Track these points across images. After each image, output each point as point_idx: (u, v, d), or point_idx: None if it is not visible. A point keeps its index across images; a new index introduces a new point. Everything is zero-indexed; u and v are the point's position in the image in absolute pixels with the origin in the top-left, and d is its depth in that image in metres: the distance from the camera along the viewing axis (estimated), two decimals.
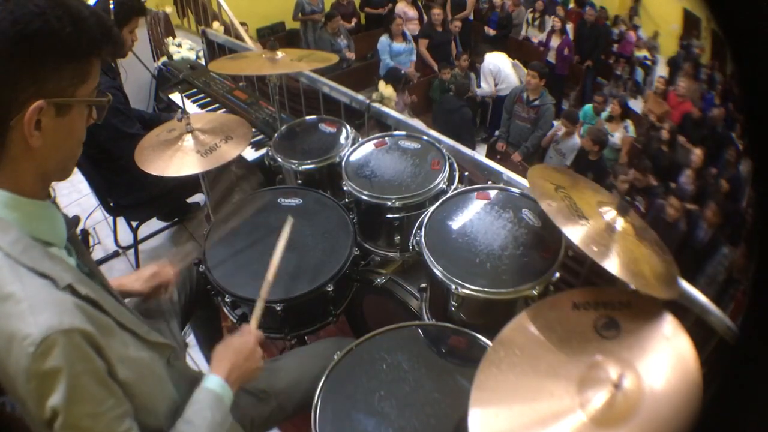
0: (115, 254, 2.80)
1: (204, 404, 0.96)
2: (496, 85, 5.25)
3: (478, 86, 5.41)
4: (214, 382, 1.01)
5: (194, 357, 1.91)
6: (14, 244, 0.76)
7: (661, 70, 6.04)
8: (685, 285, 1.23)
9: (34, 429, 0.80)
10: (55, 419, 0.73)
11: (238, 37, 3.56)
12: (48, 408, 0.72)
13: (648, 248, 1.04)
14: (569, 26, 6.19)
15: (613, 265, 0.95)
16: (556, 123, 4.48)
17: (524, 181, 1.57)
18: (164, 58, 3.62)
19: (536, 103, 4.36)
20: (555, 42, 5.89)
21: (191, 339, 1.82)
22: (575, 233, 0.99)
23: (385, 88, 3.91)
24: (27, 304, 0.72)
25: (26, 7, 0.71)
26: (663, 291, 0.96)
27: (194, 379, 1.08)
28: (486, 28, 6.68)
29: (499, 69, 5.18)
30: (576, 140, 4.36)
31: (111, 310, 0.84)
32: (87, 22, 0.76)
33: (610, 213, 1.07)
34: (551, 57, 5.90)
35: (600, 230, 1.02)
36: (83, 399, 0.74)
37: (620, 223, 1.06)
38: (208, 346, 1.79)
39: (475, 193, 1.50)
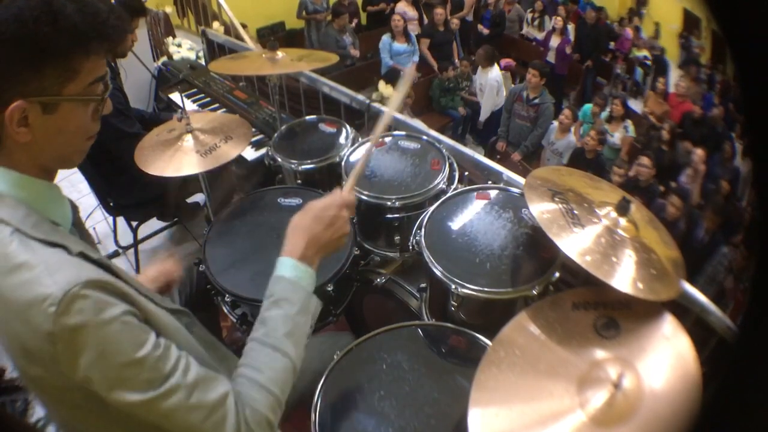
0: (115, 254, 2.80)
1: (276, 296, 0.92)
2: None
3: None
4: (285, 267, 0.94)
5: None
6: (24, 219, 0.76)
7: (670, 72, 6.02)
8: (685, 285, 1.23)
9: (66, 394, 0.78)
10: (91, 379, 0.71)
11: (238, 37, 3.55)
12: (81, 367, 0.70)
13: (657, 239, 1.04)
14: (570, 27, 6.19)
15: (606, 274, 0.95)
16: (555, 123, 4.48)
17: (524, 181, 1.57)
18: (164, 58, 3.62)
19: (536, 101, 4.37)
20: (555, 42, 5.89)
21: None
22: (569, 244, 0.99)
23: (385, 88, 3.91)
24: (42, 267, 0.71)
25: (9, 9, 0.70)
26: (672, 284, 0.96)
27: (213, 342, 1.07)
28: (479, 27, 6.68)
29: (500, 85, 5.03)
30: (571, 139, 4.36)
31: (124, 276, 0.83)
32: (69, 19, 0.73)
33: (609, 216, 1.07)
34: (551, 57, 5.89)
35: (599, 236, 1.02)
36: (118, 350, 0.72)
37: (622, 222, 1.05)
38: None
39: (475, 193, 1.50)
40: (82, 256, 0.77)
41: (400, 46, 5.38)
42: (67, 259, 0.74)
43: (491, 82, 4.97)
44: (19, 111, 0.73)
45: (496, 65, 5.05)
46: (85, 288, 0.70)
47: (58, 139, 0.81)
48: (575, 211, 1.06)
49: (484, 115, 5.18)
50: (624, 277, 0.95)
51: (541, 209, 1.07)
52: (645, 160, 3.84)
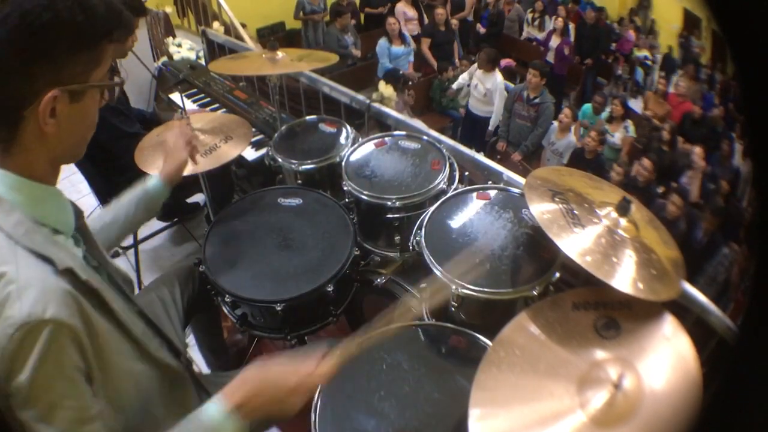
0: (115, 254, 2.79)
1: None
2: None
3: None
4: (214, 409, 0.84)
5: (194, 357, 1.90)
6: (17, 225, 0.76)
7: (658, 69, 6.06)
8: (685, 285, 1.23)
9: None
10: (18, 399, 0.72)
11: (238, 37, 3.56)
12: (12, 388, 0.71)
13: (657, 239, 1.04)
14: (571, 26, 6.20)
15: (607, 274, 0.95)
16: (555, 123, 4.48)
17: (524, 181, 1.57)
18: (164, 58, 3.62)
19: (537, 101, 4.37)
20: (555, 42, 5.90)
21: (191, 339, 1.82)
22: (570, 245, 0.99)
23: (385, 88, 3.91)
24: (16, 286, 0.71)
25: (34, 0, 0.71)
26: (672, 284, 0.96)
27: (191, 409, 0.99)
28: (477, 26, 6.69)
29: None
30: (571, 139, 4.36)
31: (116, 308, 0.83)
32: (97, 9, 0.76)
33: (609, 216, 1.07)
34: (550, 57, 5.90)
35: (599, 236, 1.02)
36: (47, 387, 0.72)
37: (623, 223, 1.05)
38: (208, 347, 1.79)
39: (475, 193, 1.50)
40: (69, 274, 0.76)
41: (397, 48, 5.40)
42: (46, 281, 0.73)
43: (500, 87, 4.70)
44: (52, 101, 0.74)
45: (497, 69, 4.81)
46: (43, 326, 0.70)
47: (79, 128, 0.83)
48: (575, 212, 1.07)
49: (494, 123, 4.78)
50: (624, 277, 0.95)
51: (541, 209, 1.07)
52: (646, 162, 3.84)
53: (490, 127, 4.88)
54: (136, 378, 0.88)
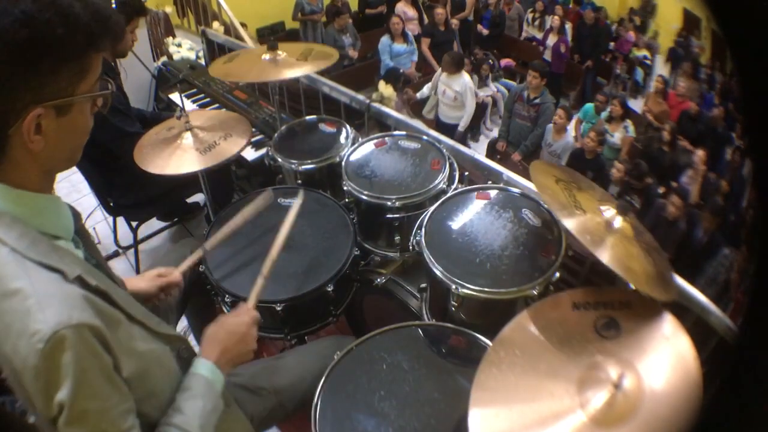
0: (115, 254, 2.80)
1: (195, 391, 0.94)
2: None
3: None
4: (204, 368, 0.98)
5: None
6: (20, 238, 0.75)
7: (659, 69, 6.07)
8: (685, 285, 1.23)
9: (41, 425, 0.79)
10: (60, 414, 0.72)
11: (238, 37, 3.56)
12: (55, 404, 0.71)
13: (642, 249, 1.05)
14: (568, 26, 6.20)
15: (605, 256, 0.96)
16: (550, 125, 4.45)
17: (524, 181, 1.57)
18: (164, 58, 3.62)
19: (537, 101, 4.36)
20: (552, 40, 5.90)
21: (185, 325, 1.81)
22: (571, 222, 1.00)
23: (385, 88, 3.90)
24: (35, 299, 0.71)
25: (12, 14, 0.68)
26: (654, 290, 0.96)
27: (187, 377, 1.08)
28: (479, 27, 6.68)
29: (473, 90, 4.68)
30: (569, 140, 4.35)
31: (120, 301, 0.83)
32: (80, 18, 0.73)
33: (609, 211, 1.08)
34: (547, 55, 5.91)
35: (597, 224, 1.04)
36: (90, 395, 0.73)
37: (619, 222, 1.06)
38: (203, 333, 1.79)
39: (475, 193, 1.50)
40: (80, 281, 0.76)
41: (399, 46, 5.39)
42: (61, 290, 0.74)
43: (469, 86, 4.48)
44: (36, 119, 0.72)
45: (464, 71, 4.59)
46: (72, 331, 0.70)
47: (69, 139, 0.81)
48: (578, 198, 1.08)
49: (465, 123, 4.64)
50: (621, 263, 0.95)
51: (547, 189, 1.08)
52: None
53: (460, 128, 4.64)
54: (157, 357, 0.89)
